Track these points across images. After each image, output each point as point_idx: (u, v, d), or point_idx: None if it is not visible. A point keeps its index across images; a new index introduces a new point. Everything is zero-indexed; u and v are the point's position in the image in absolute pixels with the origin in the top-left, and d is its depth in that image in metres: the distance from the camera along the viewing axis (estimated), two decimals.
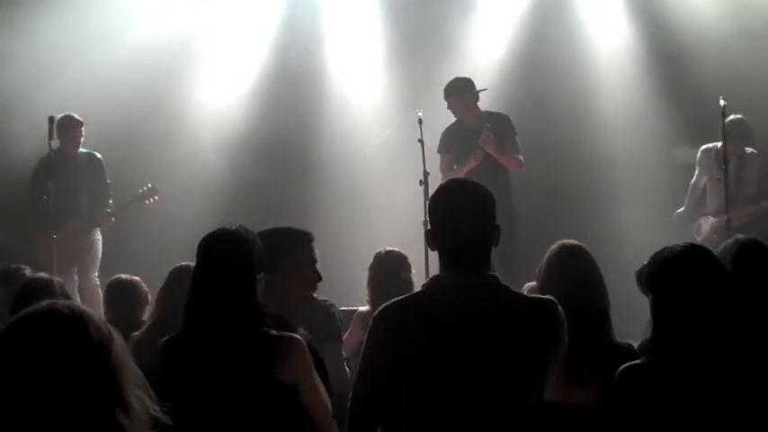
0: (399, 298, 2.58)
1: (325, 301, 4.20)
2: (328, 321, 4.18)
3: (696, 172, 6.97)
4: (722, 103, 6.11)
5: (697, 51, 7.90)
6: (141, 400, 1.70)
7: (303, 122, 8.50)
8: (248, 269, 2.73)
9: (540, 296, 2.63)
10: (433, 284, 2.53)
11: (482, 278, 2.47)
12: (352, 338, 4.63)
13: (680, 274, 2.45)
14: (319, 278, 3.09)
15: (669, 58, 8.06)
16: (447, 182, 2.78)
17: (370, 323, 2.55)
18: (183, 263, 3.80)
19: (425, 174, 6.23)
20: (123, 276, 4.58)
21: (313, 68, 8.61)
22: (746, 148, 6.66)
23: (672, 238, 3.31)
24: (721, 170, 6.23)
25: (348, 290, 5.77)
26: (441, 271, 2.55)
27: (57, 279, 4.03)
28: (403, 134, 7.48)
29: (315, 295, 3.17)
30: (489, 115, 6.72)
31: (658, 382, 2.38)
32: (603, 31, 8.38)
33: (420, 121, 6.27)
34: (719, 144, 6.45)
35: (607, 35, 8.35)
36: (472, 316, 2.40)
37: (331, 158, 8.37)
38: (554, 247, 3.35)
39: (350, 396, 2.56)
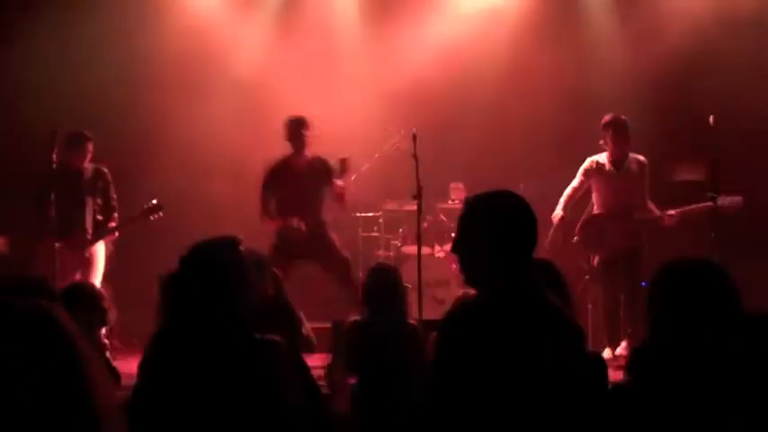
0: (463, 306, 2.64)
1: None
2: None
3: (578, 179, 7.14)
4: (711, 120, 6.30)
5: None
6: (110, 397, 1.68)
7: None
8: (229, 276, 2.82)
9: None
10: (485, 296, 2.57)
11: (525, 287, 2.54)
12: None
13: (695, 288, 2.44)
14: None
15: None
16: (485, 193, 2.72)
17: (439, 329, 2.58)
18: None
19: (419, 188, 6.47)
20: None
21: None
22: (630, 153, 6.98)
23: None
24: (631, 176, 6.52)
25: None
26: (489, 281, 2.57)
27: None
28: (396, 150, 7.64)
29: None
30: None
31: (650, 404, 2.36)
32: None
33: (414, 138, 6.48)
34: (604, 154, 6.97)
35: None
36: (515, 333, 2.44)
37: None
38: None
39: (422, 400, 2.57)
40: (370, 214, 8.59)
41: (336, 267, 7.06)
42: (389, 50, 9.20)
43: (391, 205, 8.42)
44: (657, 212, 6.87)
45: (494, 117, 8.71)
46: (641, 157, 6.98)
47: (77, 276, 6.92)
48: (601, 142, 7.00)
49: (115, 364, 4.75)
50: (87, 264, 6.99)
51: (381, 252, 8.49)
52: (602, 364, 3.31)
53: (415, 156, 6.51)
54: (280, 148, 7.18)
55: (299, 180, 7.05)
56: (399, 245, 8.26)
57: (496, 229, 2.56)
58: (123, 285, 7.92)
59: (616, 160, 6.98)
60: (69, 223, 6.83)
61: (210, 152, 8.71)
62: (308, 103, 8.94)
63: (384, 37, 9.25)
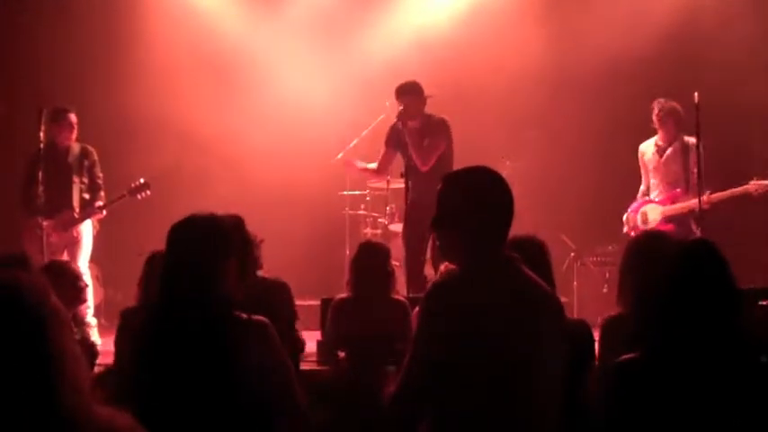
0: (448, 278, 2.69)
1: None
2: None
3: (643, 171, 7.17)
4: (696, 97, 6.21)
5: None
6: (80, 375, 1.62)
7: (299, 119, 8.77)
8: (215, 253, 2.78)
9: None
10: (466, 267, 2.60)
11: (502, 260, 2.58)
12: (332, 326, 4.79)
13: (702, 268, 2.43)
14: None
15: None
16: (463, 169, 2.76)
17: (425, 300, 2.62)
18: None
19: (407, 166, 6.53)
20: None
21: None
22: (684, 136, 6.82)
23: None
24: (678, 160, 6.41)
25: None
26: (467, 254, 2.60)
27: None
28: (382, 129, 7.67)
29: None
30: (430, 118, 6.73)
31: (656, 378, 2.36)
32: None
33: (401, 114, 6.55)
34: (656, 138, 6.91)
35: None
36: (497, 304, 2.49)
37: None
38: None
39: (405, 370, 2.56)
40: (357, 192, 8.61)
41: None
42: (373, 32, 9.23)
43: (378, 183, 8.45)
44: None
45: (479, 95, 8.73)
46: (688, 139, 6.74)
47: (65, 254, 6.93)
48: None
49: (102, 341, 4.80)
50: (74, 242, 7.00)
51: (368, 230, 8.52)
52: (587, 329, 3.40)
53: (404, 131, 6.55)
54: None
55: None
56: (386, 223, 8.30)
57: (472, 204, 2.58)
58: (110, 264, 7.97)
59: (660, 146, 6.95)
60: (56, 202, 6.82)
61: (198, 132, 8.71)
62: (294, 80, 9.02)
63: (367, 19, 9.27)
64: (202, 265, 2.76)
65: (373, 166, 7.13)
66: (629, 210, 7.18)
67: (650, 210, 7.01)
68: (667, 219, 6.81)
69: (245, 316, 2.74)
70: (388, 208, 8.21)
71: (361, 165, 7.25)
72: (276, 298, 4.29)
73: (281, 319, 3.45)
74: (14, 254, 3.90)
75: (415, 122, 6.64)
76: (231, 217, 3.26)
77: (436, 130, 6.64)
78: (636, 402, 2.36)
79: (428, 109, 6.74)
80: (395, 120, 6.71)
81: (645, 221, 6.97)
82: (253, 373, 2.66)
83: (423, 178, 6.42)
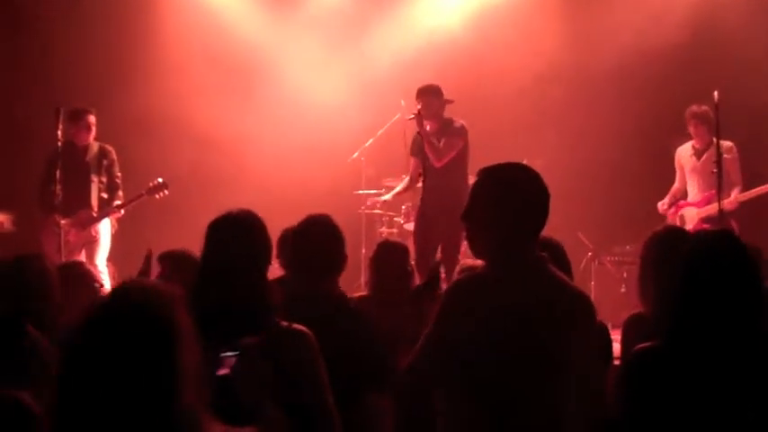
0: (472, 276, 2.63)
1: None
2: None
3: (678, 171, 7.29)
4: (716, 96, 6.19)
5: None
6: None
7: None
8: (258, 255, 2.64)
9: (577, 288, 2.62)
10: (492, 266, 2.55)
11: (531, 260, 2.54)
12: None
13: (721, 260, 2.37)
14: None
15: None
16: (501, 164, 2.68)
17: (445, 294, 2.59)
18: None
19: (424, 165, 6.54)
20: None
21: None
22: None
23: None
24: (714, 163, 6.38)
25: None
26: (494, 253, 2.56)
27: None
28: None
29: None
30: (448, 121, 6.75)
31: (674, 367, 2.31)
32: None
33: (419, 114, 6.53)
34: (692, 141, 7.06)
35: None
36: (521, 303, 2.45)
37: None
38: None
39: (416, 352, 2.55)
40: (373, 191, 8.60)
41: None
42: (388, 31, 9.21)
43: (394, 182, 8.43)
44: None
45: (496, 94, 8.70)
46: (725, 143, 6.70)
47: (82, 253, 6.97)
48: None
49: None
50: (92, 241, 7.03)
51: (384, 229, 8.51)
52: (605, 330, 3.36)
53: (419, 132, 6.55)
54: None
55: None
56: (402, 222, 8.28)
57: (507, 200, 2.53)
58: (128, 264, 7.98)
59: (698, 149, 7.09)
60: (75, 201, 6.88)
61: (213, 131, 8.72)
62: (309, 80, 9.02)
63: (382, 18, 9.26)
64: (243, 266, 2.58)
65: (402, 185, 7.27)
66: (670, 206, 7.23)
67: (687, 212, 7.10)
68: (704, 220, 6.89)
69: (285, 324, 2.58)
70: (403, 207, 8.20)
71: (389, 196, 7.49)
72: None
73: None
74: (31, 254, 3.93)
75: (433, 124, 6.66)
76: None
77: (454, 131, 6.69)
78: (651, 392, 2.31)
79: (447, 114, 6.77)
80: (407, 119, 6.72)
81: (683, 224, 7.02)
82: (291, 383, 2.51)
83: (437, 178, 6.44)
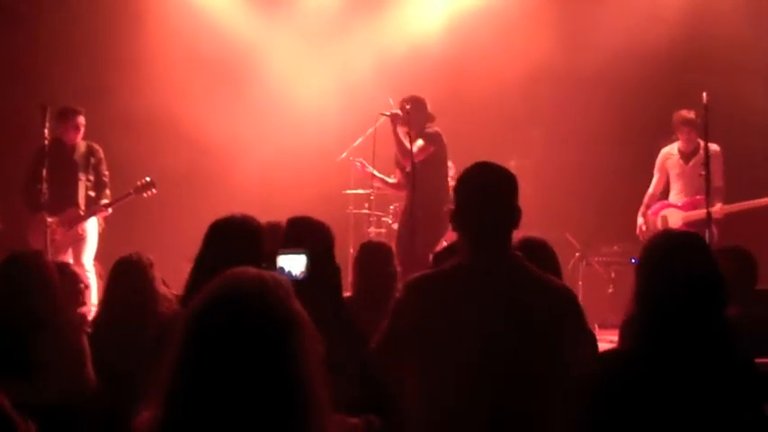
0: (428, 272, 2.70)
1: None
2: None
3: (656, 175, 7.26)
4: (705, 97, 6.15)
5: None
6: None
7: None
8: (258, 259, 2.68)
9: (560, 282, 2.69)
10: (458, 263, 2.60)
11: (504, 258, 2.57)
12: None
13: (683, 258, 2.41)
14: None
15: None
16: (472, 165, 2.78)
17: (401, 290, 2.66)
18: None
19: (413, 165, 6.52)
20: None
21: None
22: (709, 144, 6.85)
23: None
24: (702, 166, 6.39)
25: None
26: (465, 250, 2.61)
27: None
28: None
29: None
30: (424, 129, 6.82)
31: (642, 370, 2.34)
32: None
33: (407, 113, 6.56)
34: (677, 144, 7.05)
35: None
36: (491, 297, 2.48)
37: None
38: None
39: (373, 344, 2.64)
40: (361, 191, 8.59)
41: None
42: (377, 31, 9.22)
43: (382, 182, 8.42)
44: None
45: (484, 93, 8.70)
46: (713, 147, 6.67)
47: (69, 252, 6.93)
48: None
49: None
50: (79, 240, 7.00)
51: (372, 229, 8.49)
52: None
53: (408, 133, 6.54)
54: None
55: None
56: (390, 222, 8.27)
57: (476, 198, 2.61)
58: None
59: (684, 152, 7.10)
60: (62, 199, 6.85)
61: (202, 131, 8.70)
62: (296, 80, 9.01)
63: (371, 19, 9.26)
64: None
65: (392, 181, 7.33)
66: (648, 211, 7.18)
67: (671, 214, 7.06)
68: (688, 224, 6.80)
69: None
70: (391, 207, 8.18)
71: (379, 175, 7.38)
72: None
73: None
74: (27, 252, 3.91)
75: (412, 131, 6.65)
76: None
77: (427, 135, 6.79)
78: (618, 396, 2.34)
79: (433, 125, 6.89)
80: (381, 113, 6.85)
81: (665, 225, 6.99)
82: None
83: (415, 183, 6.50)
